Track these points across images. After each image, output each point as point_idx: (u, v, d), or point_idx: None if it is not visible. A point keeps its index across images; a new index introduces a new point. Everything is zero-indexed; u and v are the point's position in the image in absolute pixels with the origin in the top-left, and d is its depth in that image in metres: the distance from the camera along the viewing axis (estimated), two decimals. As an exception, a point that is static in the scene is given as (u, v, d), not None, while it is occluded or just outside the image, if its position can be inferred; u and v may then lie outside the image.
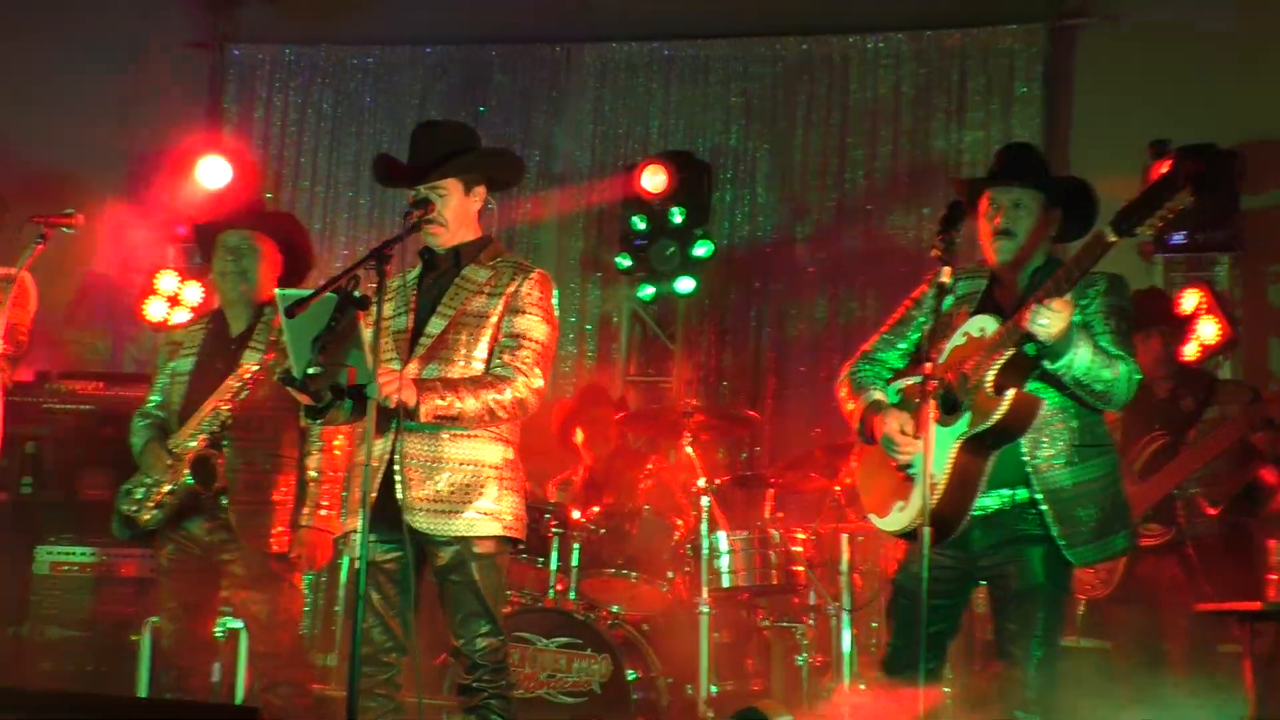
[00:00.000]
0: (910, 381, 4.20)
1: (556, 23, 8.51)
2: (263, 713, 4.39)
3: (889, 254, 7.93)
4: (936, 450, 3.91)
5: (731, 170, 8.31)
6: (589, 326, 8.37)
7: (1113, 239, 3.72)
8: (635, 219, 7.90)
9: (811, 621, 6.25)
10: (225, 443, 4.81)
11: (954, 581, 4.09)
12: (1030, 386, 3.93)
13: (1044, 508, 3.96)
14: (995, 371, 3.88)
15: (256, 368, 4.79)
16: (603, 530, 6.26)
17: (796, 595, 6.27)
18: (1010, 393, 3.85)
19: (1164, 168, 6.63)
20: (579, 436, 7.03)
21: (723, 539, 6.06)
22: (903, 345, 4.30)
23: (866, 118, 8.13)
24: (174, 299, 8.12)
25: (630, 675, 5.75)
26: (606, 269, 8.30)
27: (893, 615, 4.25)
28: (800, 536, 6.22)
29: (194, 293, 8.16)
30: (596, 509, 6.36)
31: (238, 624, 5.30)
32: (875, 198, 8.06)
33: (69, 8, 7.87)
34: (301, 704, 4.85)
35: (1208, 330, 6.80)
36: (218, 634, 5.27)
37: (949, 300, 4.13)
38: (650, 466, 6.72)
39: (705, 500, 6.08)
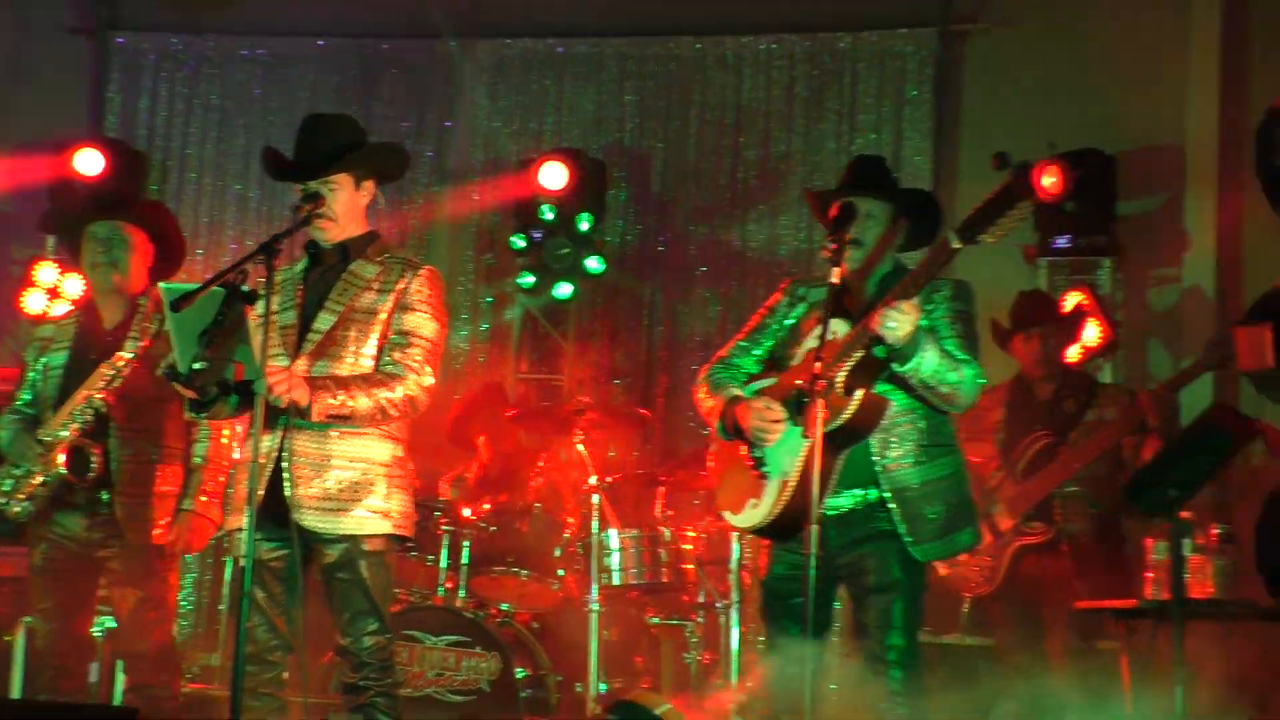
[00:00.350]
0: (767, 383, 4.28)
1: (451, 18, 8.47)
2: (143, 709, 4.34)
3: (781, 254, 8.03)
4: (788, 450, 4.05)
5: (626, 169, 8.32)
6: (484, 325, 8.34)
7: (957, 245, 3.87)
8: (543, 208, 7.87)
9: (700, 619, 6.29)
10: (109, 434, 4.73)
11: (816, 581, 4.16)
12: (879, 388, 4.03)
13: (892, 506, 4.07)
14: (845, 373, 3.98)
15: (130, 355, 4.72)
16: (493, 528, 6.25)
17: (686, 593, 6.31)
18: (859, 393, 3.96)
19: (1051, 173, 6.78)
20: (480, 438, 6.98)
21: (613, 537, 6.08)
22: (758, 352, 4.39)
23: (759, 118, 8.19)
24: (53, 291, 7.97)
25: (519, 673, 5.75)
26: (502, 257, 8.26)
27: (765, 618, 4.33)
28: (690, 534, 6.27)
29: (74, 285, 8.00)
30: (487, 506, 6.35)
31: (109, 621, 5.22)
32: (768, 198, 8.13)
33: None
34: (169, 706, 4.80)
35: (1089, 332, 6.95)
36: (95, 633, 5.18)
37: (802, 308, 4.29)
38: (541, 464, 6.71)
39: (596, 498, 6.09)
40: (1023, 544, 5.67)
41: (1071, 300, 6.90)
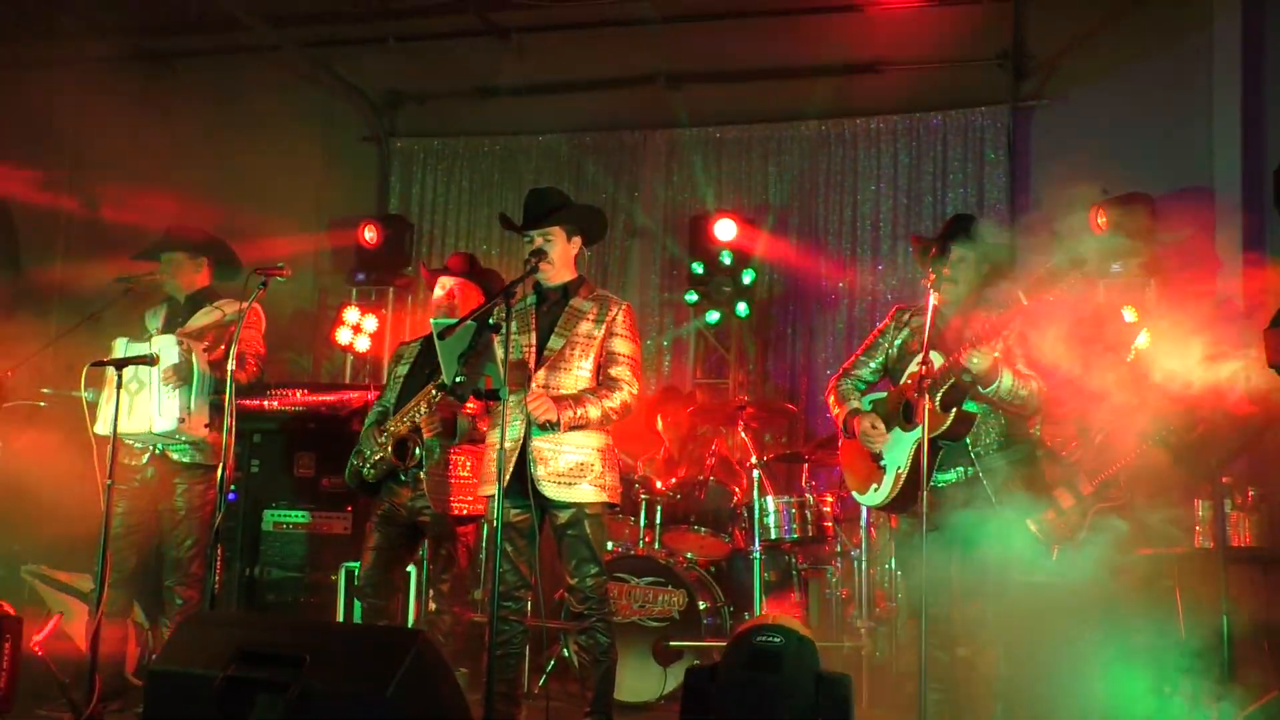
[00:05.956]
0: (879, 396, 4.36)
1: (634, 115, 8.52)
2: (427, 632, 4.41)
3: (890, 285, 7.88)
4: (899, 449, 4.13)
5: (772, 223, 8.22)
6: (665, 342, 8.34)
7: (1025, 302, 3.87)
8: (707, 260, 7.82)
9: (838, 564, 6.19)
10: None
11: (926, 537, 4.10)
12: (968, 405, 4.06)
13: (984, 481, 4.07)
14: (941, 394, 4.02)
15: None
16: (678, 496, 6.23)
17: (826, 545, 6.21)
18: (954, 411, 4.02)
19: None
20: (659, 424, 6.99)
21: (770, 502, 6.01)
22: (873, 364, 4.43)
23: (871, 181, 8.05)
24: (357, 327, 8.24)
25: (701, 605, 5.71)
26: (678, 290, 8.24)
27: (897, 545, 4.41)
28: (829, 499, 6.16)
29: (371, 322, 8.26)
30: (674, 480, 6.33)
31: (410, 569, 5.32)
32: (880, 243, 7.98)
33: (277, 121, 8.10)
34: (459, 630, 4.87)
35: (1141, 339, 6.63)
36: (405, 575, 5.28)
37: (906, 332, 4.33)
38: (714, 447, 6.67)
39: (756, 473, 6.03)
40: (1103, 506, 5.44)
41: (1128, 313, 6.60)
